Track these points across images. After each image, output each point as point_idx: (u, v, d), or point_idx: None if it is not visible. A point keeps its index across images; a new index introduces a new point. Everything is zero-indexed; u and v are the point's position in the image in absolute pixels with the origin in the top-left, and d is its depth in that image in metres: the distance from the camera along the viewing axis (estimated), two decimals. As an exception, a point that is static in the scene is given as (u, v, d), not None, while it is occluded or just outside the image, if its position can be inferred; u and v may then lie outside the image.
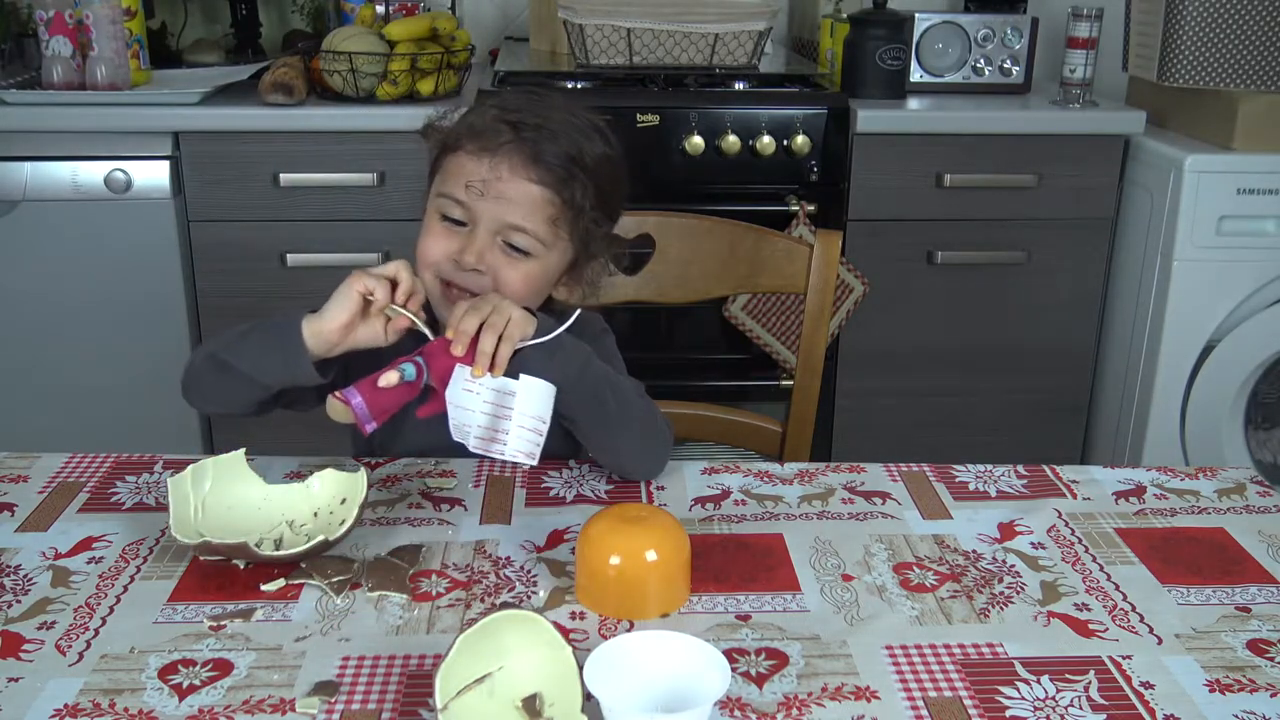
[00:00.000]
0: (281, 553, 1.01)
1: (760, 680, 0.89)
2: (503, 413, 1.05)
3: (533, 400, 1.05)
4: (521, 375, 1.05)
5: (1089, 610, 0.99)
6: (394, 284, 1.12)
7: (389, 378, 1.03)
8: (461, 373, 1.05)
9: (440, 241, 1.19)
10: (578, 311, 1.15)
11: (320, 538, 1.01)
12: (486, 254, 1.18)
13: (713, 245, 1.53)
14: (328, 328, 1.10)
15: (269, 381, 1.15)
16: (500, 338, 1.06)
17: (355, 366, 1.14)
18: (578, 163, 1.19)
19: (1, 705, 0.84)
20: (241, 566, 1.02)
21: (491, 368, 1.05)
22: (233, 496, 1.08)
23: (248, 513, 1.08)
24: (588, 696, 0.81)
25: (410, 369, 1.05)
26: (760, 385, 2.42)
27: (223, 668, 0.89)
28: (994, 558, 1.07)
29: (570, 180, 1.18)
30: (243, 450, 1.11)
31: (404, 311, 1.11)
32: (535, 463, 1.06)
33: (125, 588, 1.00)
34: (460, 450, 1.10)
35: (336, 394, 1.03)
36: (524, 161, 1.17)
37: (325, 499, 1.09)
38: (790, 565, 1.05)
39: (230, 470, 1.09)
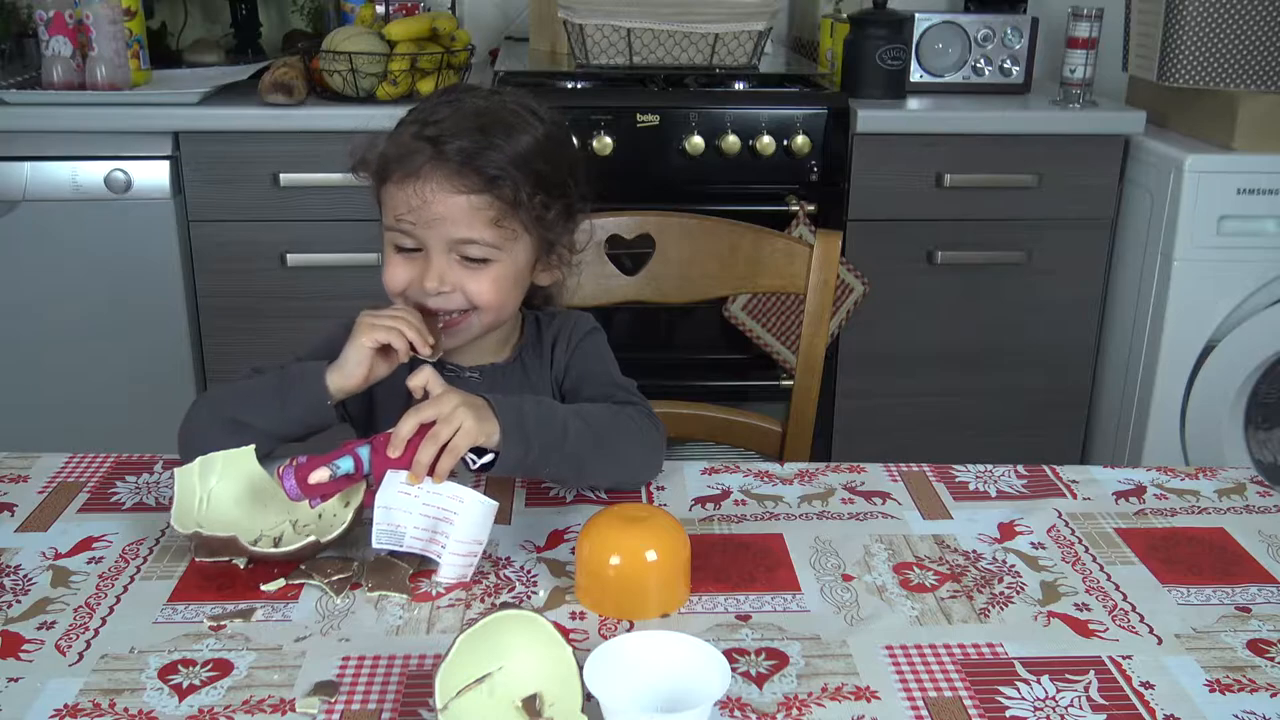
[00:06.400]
0: (270, 550, 1.01)
1: (760, 680, 0.89)
2: (444, 515, 1.01)
3: (470, 525, 1.01)
4: (463, 495, 1.01)
5: (1089, 610, 0.99)
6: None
7: (319, 475, 1.01)
8: (396, 476, 1.02)
9: (400, 271, 1.18)
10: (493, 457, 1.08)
11: (311, 538, 1.01)
12: (447, 274, 1.16)
13: (713, 245, 1.53)
14: (349, 384, 1.12)
15: (291, 435, 1.15)
16: (444, 448, 1.02)
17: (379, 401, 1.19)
18: (505, 156, 1.15)
19: (1, 705, 0.84)
20: (241, 566, 1.03)
21: (431, 474, 1.02)
22: (239, 492, 1.09)
23: (252, 510, 1.08)
24: (588, 696, 0.81)
25: (348, 463, 1.02)
26: (760, 385, 2.42)
27: (223, 668, 0.89)
28: (994, 558, 1.07)
29: (500, 178, 1.14)
30: (253, 446, 1.10)
31: (424, 357, 1.12)
32: (468, 579, 1.03)
33: (125, 588, 1.00)
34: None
35: (279, 470, 1.03)
36: (448, 175, 1.13)
37: (330, 500, 1.09)
38: (790, 565, 1.05)
39: (239, 465, 1.09)
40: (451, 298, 1.17)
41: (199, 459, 1.07)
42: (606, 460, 1.15)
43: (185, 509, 1.04)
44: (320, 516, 1.08)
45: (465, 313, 1.19)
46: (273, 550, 1.02)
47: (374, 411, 1.25)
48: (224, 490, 1.08)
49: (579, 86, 2.37)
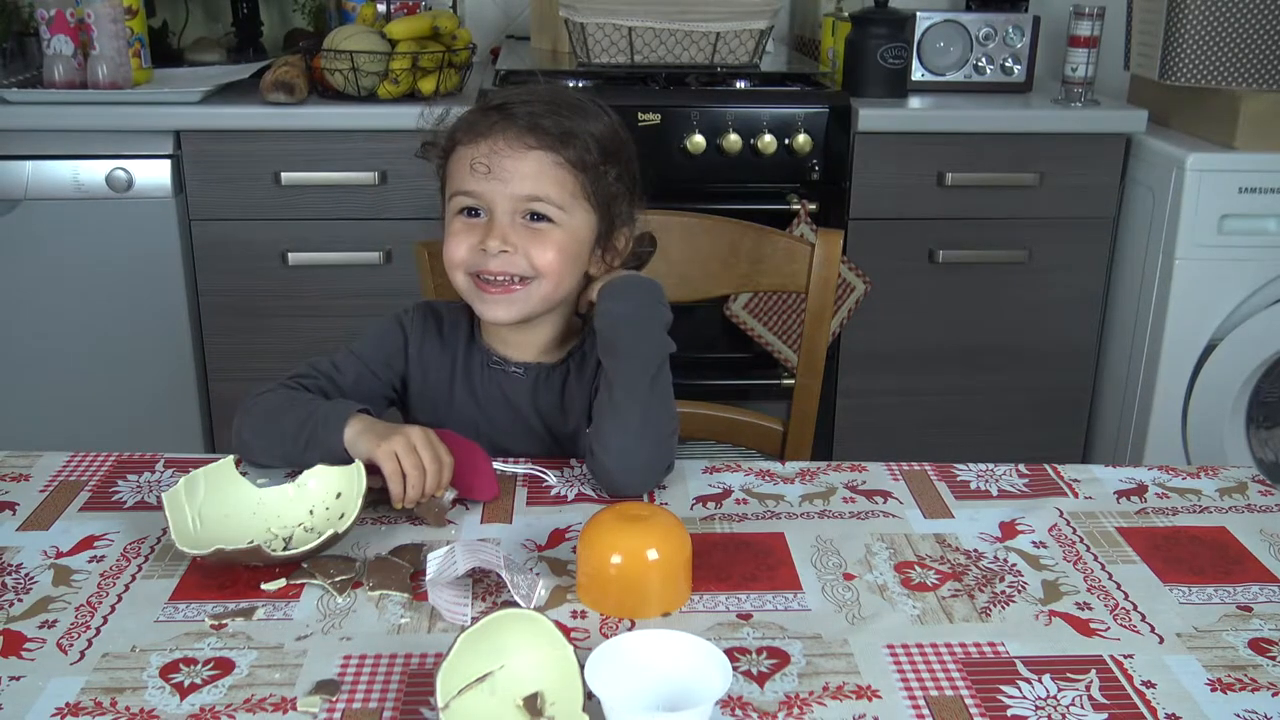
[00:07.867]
0: (295, 551, 1.01)
1: (761, 679, 0.89)
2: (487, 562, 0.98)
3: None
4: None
5: (1090, 609, 0.99)
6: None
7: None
8: (433, 560, 0.98)
9: (463, 239, 1.19)
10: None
11: (330, 531, 1.01)
12: (509, 234, 1.17)
13: (714, 244, 1.53)
14: (354, 455, 1.12)
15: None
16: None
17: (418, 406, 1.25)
18: (574, 125, 1.18)
19: (3, 704, 0.85)
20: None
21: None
22: (228, 505, 1.08)
23: (244, 519, 1.08)
24: (589, 695, 0.81)
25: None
26: (761, 384, 2.42)
27: (224, 666, 0.89)
28: (995, 557, 1.07)
29: (569, 139, 1.18)
30: (231, 457, 1.11)
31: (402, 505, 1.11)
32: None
33: (127, 586, 1.00)
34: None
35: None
36: (518, 133, 1.17)
37: (320, 495, 1.10)
38: (791, 564, 1.05)
39: (221, 478, 1.09)
40: (514, 259, 1.18)
41: (181, 481, 1.06)
42: (664, 398, 1.19)
43: (182, 532, 1.03)
44: (312, 513, 1.09)
45: (524, 280, 1.19)
46: (295, 552, 1.01)
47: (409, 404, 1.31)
48: (212, 507, 1.07)
49: (580, 85, 2.37)
